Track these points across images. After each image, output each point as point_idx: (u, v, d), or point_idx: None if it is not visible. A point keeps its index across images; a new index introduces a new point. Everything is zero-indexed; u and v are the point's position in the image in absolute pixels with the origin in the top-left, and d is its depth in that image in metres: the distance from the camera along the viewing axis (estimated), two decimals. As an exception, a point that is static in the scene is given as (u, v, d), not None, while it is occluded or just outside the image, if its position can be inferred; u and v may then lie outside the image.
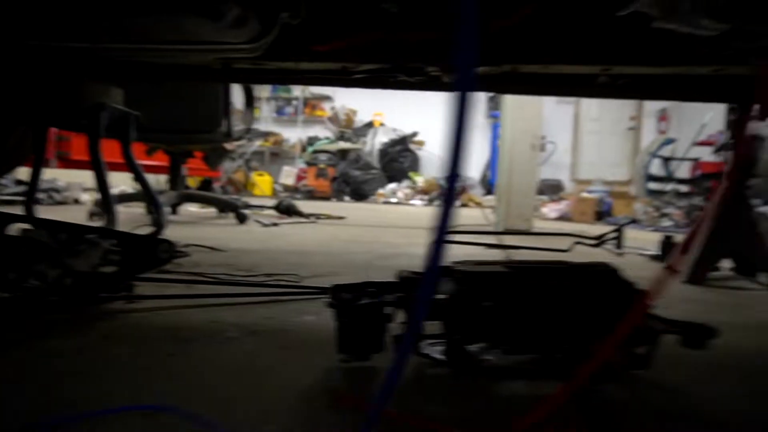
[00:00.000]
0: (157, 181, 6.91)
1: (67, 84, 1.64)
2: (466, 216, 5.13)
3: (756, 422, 0.69)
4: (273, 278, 1.46)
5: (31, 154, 2.03)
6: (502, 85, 1.72)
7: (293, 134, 10.12)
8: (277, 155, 10.03)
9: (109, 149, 1.69)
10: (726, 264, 2.03)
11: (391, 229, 3.24)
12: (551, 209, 5.27)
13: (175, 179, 3.06)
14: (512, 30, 1.44)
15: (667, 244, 2.11)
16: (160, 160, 3.37)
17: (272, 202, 4.19)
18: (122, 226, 1.52)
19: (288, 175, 9.44)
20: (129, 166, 1.83)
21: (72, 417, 0.59)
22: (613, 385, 0.77)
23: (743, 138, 1.80)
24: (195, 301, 1.19)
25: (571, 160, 9.58)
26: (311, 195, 8.25)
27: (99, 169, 1.68)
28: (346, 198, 7.93)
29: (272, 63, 1.62)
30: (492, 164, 9.03)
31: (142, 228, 2.03)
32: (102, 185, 1.70)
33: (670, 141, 7.01)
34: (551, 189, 7.96)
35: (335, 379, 0.77)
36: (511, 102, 3.06)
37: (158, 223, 1.91)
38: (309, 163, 8.91)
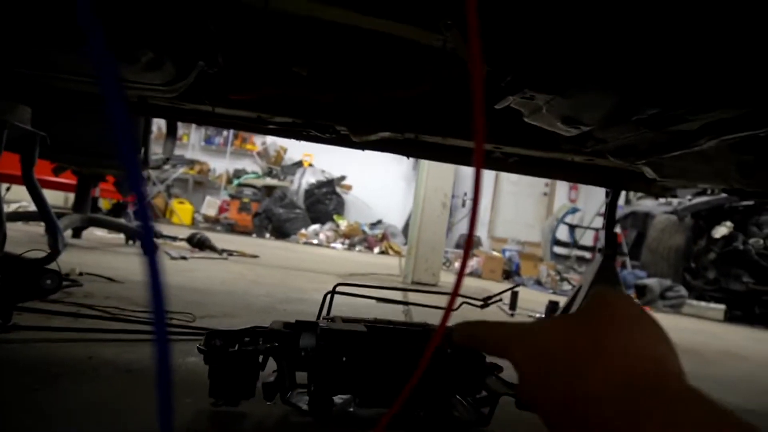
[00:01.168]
0: (66, 199, 6.55)
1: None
2: (380, 263, 5.24)
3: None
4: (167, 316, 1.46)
5: None
6: (407, 149, 1.86)
7: (220, 165, 9.98)
8: (202, 184, 9.81)
9: (11, 160, 1.64)
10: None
11: (304, 273, 3.26)
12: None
13: (82, 201, 2.95)
14: (414, 102, 1.58)
15: (552, 308, 2.29)
16: (70, 177, 3.25)
17: (188, 233, 4.10)
18: (14, 246, 1.47)
19: (210, 205, 9.24)
20: (27, 186, 1.78)
21: None
22: (458, 440, 0.86)
23: (612, 219, 2.03)
24: (77, 335, 1.17)
25: (489, 218, 10.05)
26: (232, 228, 8.10)
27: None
28: (267, 235, 7.85)
29: (189, 104, 1.67)
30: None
31: (35, 251, 1.95)
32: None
33: (575, 210, 7.57)
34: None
35: (201, 421, 0.80)
36: (428, 162, 3.24)
37: (54, 248, 1.85)
38: (233, 196, 8.79)
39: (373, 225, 8.86)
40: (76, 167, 2.82)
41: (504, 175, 10.23)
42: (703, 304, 4.62)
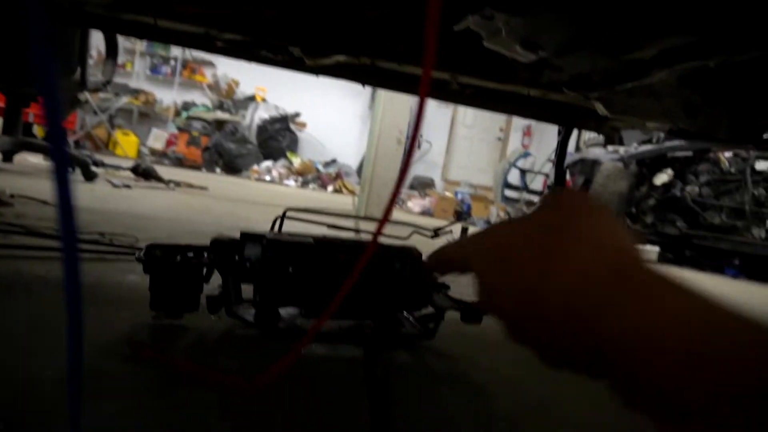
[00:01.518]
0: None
1: None
2: (336, 201, 5.21)
3: (507, 383, 0.83)
4: (106, 237, 1.40)
5: None
6: (363, 76, 1.80)
7: (168, 96, 9.50)
8: (147, 116, 9.35)
9: None
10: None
11: (254, 205, 3.21)
12: (416, 204, 5.54)
13: (12, 123, 2.75)
14: (371, 25, 1.51)
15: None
16: (-1, 99, 3.02)
17: (130, 164, 3.93)
18: None
19: (157, 138, 8.85)
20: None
21: None
22: (403, 353, 0.87)
23: (563, 156, 2.06)
24: (5, 252, 1.11)
25: (443, 161, 10.11)
26: (180, 162, 7.83)
27: None
28: (218, 170, 7.64)
29: (129, 14, 1.54)
30: (369, 155, 9.23)
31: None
32: None
33: (527, 154, 7.70)
34: (423, 185, 8.34)
35: (140, 332, 0.78)
36: (384, 96, 3.17)
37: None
38: (181, 129, 8.44)
39: (327, 164, 8.75)
40: (3, 85, 2.60)
41: (459, 119, 10.24)
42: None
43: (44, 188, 2.23)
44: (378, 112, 3.25)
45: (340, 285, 0.79)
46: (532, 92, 1.67)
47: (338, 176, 7.96)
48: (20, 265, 1.02)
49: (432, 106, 9.97)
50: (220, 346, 0.78)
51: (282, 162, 8.10)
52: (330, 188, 7.57)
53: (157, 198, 2.64)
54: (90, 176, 2.82)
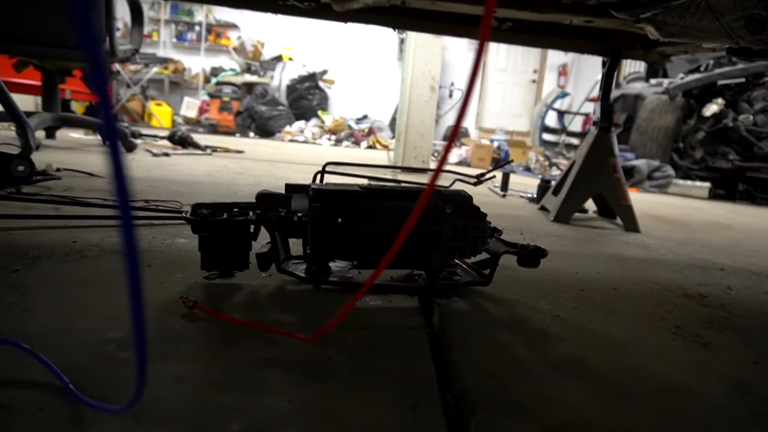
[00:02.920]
0: (36, 104, 6.27)
1: None
2: (371, 157, 5.17)
3: (571, 326, 0.80)
4: (152, 204, 1.41)
5: None
6: (392, 19, 1.72)
7: (195, 63, 9.50)
8: (178, 85, 9.40)
9: None
10: (593, 206, 2.23)
11: (290, 165, 3.20)
12: (452, 154, 5.44)
13: (50, 99, 2.79)
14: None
15: (544, 187, 2.28)
16: (35, 78, 3.05)
17: (163, 132, 3.97)
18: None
19: (190, 106, 8.91)
20: (-12, 78, 1.66)
21: None
22: (458, 300, 0.85)
23: (608, 90, 1.95)
24: (59, 222, 1.13)
25: (476, 109, 9.85)
26: (214, 129, 7.89)
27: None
28: (251, 134, 7.67)
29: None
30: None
31: (7, 144, 1.86)
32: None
33: (565, 94, 7.41)
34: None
35: (195, 292, 0.78)
36: (414, 43, 3.06)
37: (26, 145, 1.75)
38: (212, 95, 8.46)
39: (359, 120, 8.66)
40: (37, 61, 2.63)
41: (491, 63, 9.89)
42: (689, 182, 4.67)
43: (88, 161, 2.27)
44: (408, 60, 3.14)
45: (390, 234, 0.76)
46: (575, 20, 1.56)
47: (371, 132, 7.88)
48: (75, 235, 1.04)
49: (461, 50, 9.65)
50: (273, 302, 0.77)
51: (314, 121, 8.05)
52: (363, 144, 7.50)
53: (196, 164, 2.66)
54: (130, 147, 2.86)
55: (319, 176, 1.16)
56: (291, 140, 7.26)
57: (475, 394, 0.56)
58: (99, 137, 3.21)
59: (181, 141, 3.40)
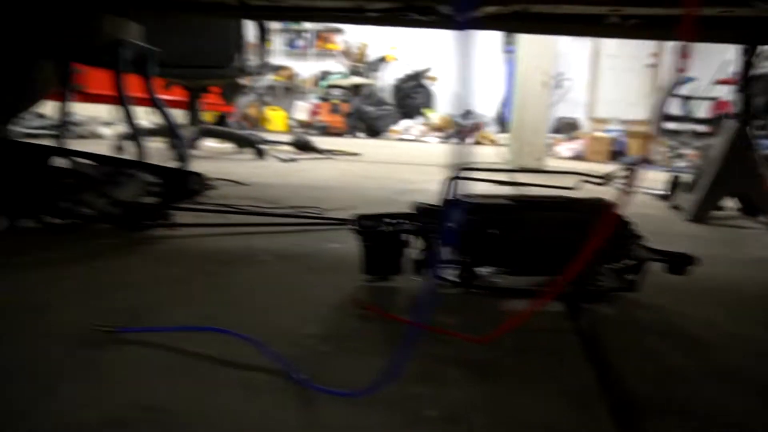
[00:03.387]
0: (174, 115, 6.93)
1: (85, 19, 1.67)
2: (480, 154, 5.17)
3: (729, 336, 0.80)
4: (297, 210, 1.56)
5: (52, 89, 2.11)
6: (512, 24, 1.74)
7: (305, 68, 9.99)
8: (290, 90, 9.95)
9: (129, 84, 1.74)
10: (732, 204, 2.10)
11: (406, 165, 3.31)
12: (565, 148, 5.28)
13: (194, 114, 3.13)
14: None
15: (675, 184, 2.18)
16: (178, 94, 3.42)
17: (288, 138, 4.25)
18: (147, 159, 1.61)
19: (301, 110, 9.41)
20: (152, 101, 1.91)
21: (135, 329, 0.71)
22: (604, 305, 0.88)
23: (748, 78, 1.82)
24: (227, 230, 1.30)
25: (588, 98, 9.41)
26: (325, 131, 8.26)
27: (123, 104, 1.76)
28: (360, 134, 7.94)
29: (287, 1, 1.65)
30: (508, 102, 8.92)
31: (167, 162, 2.13)
32: (128, 120, 1.78)
33: (689, 79, 6.86)
34: (567, 127, 7.88)
35: (361, 294, 0.88)
36: (526, 38, 3.03)
37: (182, 158, 2.00)
38: (322, 98, 8.86)
39: (465, 116, 8.63)
40: (183, 81, 2.96)
41: (603, 49, 9.37)
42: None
43: (229, 169, 2.52)
44: (520, 55, 3.12)
45: (542, 243, 0.81)
46: (708, 12, 1.49)
47: (478, 127, 7.83)
48: (246, 241, 1.20)
49: (570, 39, 9.25)
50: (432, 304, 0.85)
51: (420, 119, 8.17)
52: (471, 140, 7.49)
53: (321, 168, 2.85)
54: (261, 154, 3.13)
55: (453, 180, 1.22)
56: (399, 139, 7.43)
57: (639, 397, 0.60)
58: (233, 146, 3.53)
59: (302, 146, 3.64)
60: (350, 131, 8.10)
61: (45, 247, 1.09)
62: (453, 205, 0.84)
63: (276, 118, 8.83)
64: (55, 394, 0.53)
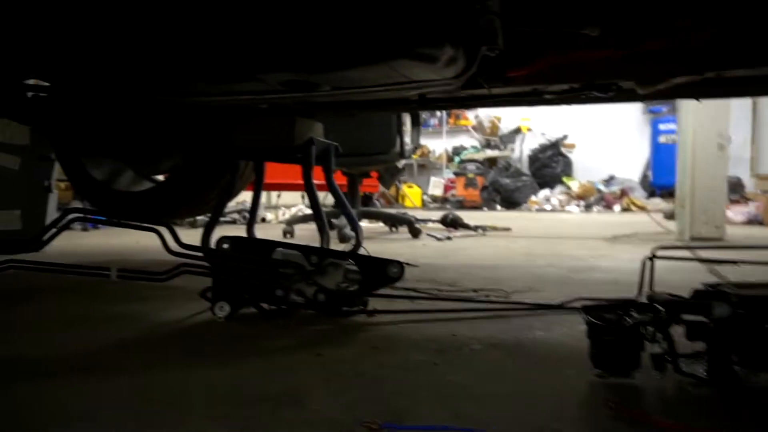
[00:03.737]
0: (324, 198, 7.51)
1: (283, 124, 1.90)
2: (633, 222, 4.84)
3: None
4: (480, 293, 1.56)
5: (239, 188, 2.40)
6: (703, 91, 1.65)
7: (438, 145, 10.33)
8: (424, 167, 10.30)
9: (279, 171, 1.87)
10: None
11: (564, 240, 3.20)
12: (736, 212, 4.76)
13: (353, 197, 3.34)
14: (717, 39, 1.39)
15: None
16: (338, 179, 3.68)
17: (433, 215, 4.35)
18: (307, 242, 1.71)
19: (436, 185, 9.65)
20: (331, 190, 2.06)
21: (403, 426, 0.72)
22: None
23: None
24: (423, 316, 1.32)
25: (750, 154, 8.52)
26: (461, 205, 8.34)
27: (312, 195, 1.92)
28: (498, 207, 7.89)
29: (465, 91, 1.73)
30: (654, 164, 8.39)
31: (340, 245, 2.26)
32: (316, 209, 1.94)
33: None
34: (730, 188, 7.14)
35: (600, 392, 0.83)
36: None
37: (357, 241, 2.12)
38: (457, 173, 9.03)
39: (607, 182, 8.24)
40: (347, 169, 3.20)
41: (764, 100, 8.55)
42: None
43: (388, 249, 2.61)
44: (686, 117, 2.93)
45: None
46: None
47: (623, 194, 7.41)
48: (447, 327, 1.21)
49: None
50: (688, 406, 0.78)
51: (559, 188, 7.94)
52: (617, 208, 7.08)
53: (479, 246, 2.85)
54: (416, 233, 3.22)
55: (648, 262, 1.14)
56: (538, 210, 7.26)
57: None
58: (384, 225, 3.68)
59: (452, 223, 3.69)
60: (487, 204, 8.09)
61: (266, 335, 1.19)
62: (709, 297, 0.78)
63: (412, 194, 9.14)
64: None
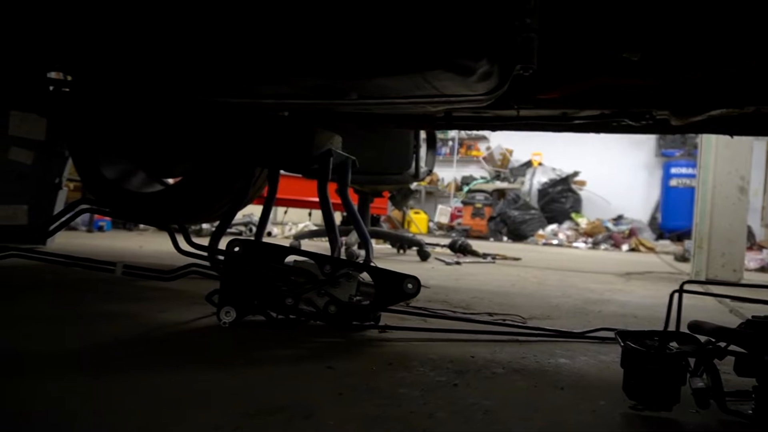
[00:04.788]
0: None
1: (304, 135, 1.86)
2: (643, 262, 4.76)
3: None
4: (496, 317, 1.50)
5: (252, 197, 2.35)
6: (739, 127, 1.61)
7: (448, 174, 10.33)
8: (432, 194, 10.29)
9: (288, 186, 1.82)
10: None
11: (576, 273, 3.13)
12: (749, 258, 4.67)
13: (364, 216, 3.29)
14: (759, 72, 1.35)
15: None
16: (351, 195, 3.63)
17: (441, 240, 4.29)
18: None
19: (442, 213, 9.62)
20: (345, 205, 2.01)
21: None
22: None
23: None
24: (438, 335, 1.26)
25: (762, 203, 8.46)
26: (467, 234, 8.28)
27: (327, 208, 1.87)
28: (504, 238, 7.83)
29: (492, 111, 1.69)
30: (664, 207, 8.34)
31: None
32: (329, 221, 1.89)
33: None
34: (740, 235, 7.07)
35: (638, 425, 0.76)
36: (716, 140, 2.83)
37: (368, 257, 2.06)
38: (465, 202, 9.00)
39: (615, 221, 8.18)
40: (359, 186, 3.16)
41: (777, 149, 8.53)
42: None
43: (396, 269, 2.54)
44: (708, 158, 2.90)
45: None
46: None
47: (632, 233, 7.34)
48: (465, 349, 1.14)
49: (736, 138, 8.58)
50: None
51: (567, 224, 7.88)
52: (624, 247, 7.00)
53: (488, 272, 2.78)
54: (425, 256, 3.16)
55: (677, 296, 1.09)
56: (545, 243, 7.18)
57: None
58: (390, 246, 3.62)
59: (462, 249, 3.63)
60: (493, 235, 8.03)
61: (273, 344, 1.13)
62: (762, 326, 0.72)
63: (419, 220, 9.09)
64: None
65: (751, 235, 7.51)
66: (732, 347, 0.79)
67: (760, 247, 5.17)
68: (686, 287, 1.14)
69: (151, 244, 2.86)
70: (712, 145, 2.84)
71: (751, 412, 0.74)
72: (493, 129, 1.81)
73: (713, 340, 0.79)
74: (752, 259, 4.64)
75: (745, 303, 1.13)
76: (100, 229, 4.30)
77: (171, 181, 2.56)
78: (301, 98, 1.49)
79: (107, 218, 4.24)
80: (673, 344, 0.82)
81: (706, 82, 1.43)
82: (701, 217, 2.93)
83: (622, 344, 0.79)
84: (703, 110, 1.45)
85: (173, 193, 2.44)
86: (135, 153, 2.31)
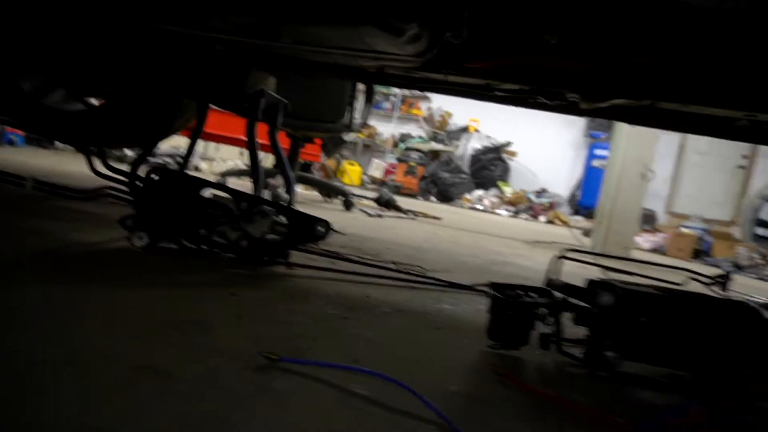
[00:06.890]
0: (266, 159, 7.34)
1: (238, 72, 1.85)
2: (554, 233, 5.11)
3: None
4: (401, 266, 1.61)
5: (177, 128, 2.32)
6: (637, 117, 1.77)
7: (387, 129, 10.36)
8: (369, 147, 10.31)
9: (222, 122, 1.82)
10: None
11: (490, 237, 3.33)
12: (645, 240, 5.13)
13: (293, 161, 3.31)
14: (657, 67, 1.50)
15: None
16: (281, 141, 3.62)
17: (368, 193, 4.39)
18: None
19: (377, 167, 9.70)
20: (273, 148, 2.04)
21: (297, 360, 0.76)
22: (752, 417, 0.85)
23: None
24: (341, 276, 1.36)
25: (668, 192, 9.17)
26: (398, 191, 8.43)
27: (253, 147, 1.89)
28: (432, 198, 8.05)
29: (422, 73, 1.76)
30: (585, 185, 8.84)
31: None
32: (254, 162, 1.92)
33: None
34: (644, 219, 7.65)
35: (491, 359, 0.90)
36: (628, 128, 3.05)
37: (290, 201, 2.12)
38: (400, 159, 9.12)
39: (539, 193, 8.60)
40: (291, 130, 3.17)
41: (690, 144, 9.21)
42: None
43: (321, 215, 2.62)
44: (619, 145, 3.13)
45: (686, 337, 0.81)
46: None
47: (551, 207, 7.77)
48: (363, 290, 1.25)
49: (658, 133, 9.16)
50: (561, 379, 0.86)
51: (494, 191, 8.21)
52: (542, 218, 7.42)
53: (408, 228, 2.92)
54: (349, 206, 3.25)
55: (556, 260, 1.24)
56: (470, 207, 7.48)
57: None
58: (318, 194, 3.69)
59: (387, 204, 3.75)
60: (422, 194, 8.24)
61: (182, 269, 1.19)
62: (598, 286, 0.86)
63: (352, 172, 9.13)
64: (251, 412, 0.59)
65: (653, 219, 8.17)
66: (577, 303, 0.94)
67: (657, 231, 5.66)
68: (567, 254, 1.30)
69: (71, 164, 2.77)
70: (624, 132, 3.07)
71: (581, 355, 0.90)
72: (422, 90, 1.88)
73: (565, 296, 0.93)
74: (647, 241, 5.08)
75: (618, 273, 1.30)
76: (11, 143, 4.06)
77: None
78: (234, 35, 1.49)
79: (19, 132, 3.99)
80: (534, 296, 0.95)
81: (611, 72, 1.56)
82: (606, 197, 3.19)
83: (489, 292, 0.92)
84: (607, 97, 1.60)
85: (95, 114, 2.35)
86: (57, 68, 2.20)
